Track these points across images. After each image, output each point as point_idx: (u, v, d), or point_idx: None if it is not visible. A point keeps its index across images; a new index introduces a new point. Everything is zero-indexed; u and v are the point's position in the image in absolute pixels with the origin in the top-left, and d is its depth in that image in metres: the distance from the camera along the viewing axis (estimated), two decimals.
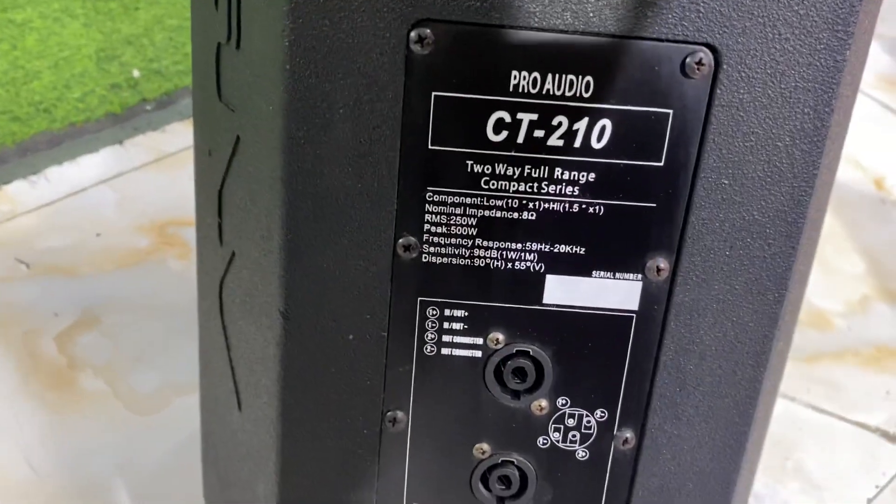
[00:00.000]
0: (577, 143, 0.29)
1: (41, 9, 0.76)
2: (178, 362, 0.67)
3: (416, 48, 0.28)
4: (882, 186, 0.84)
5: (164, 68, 0.83)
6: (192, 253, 0.75)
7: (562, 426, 0.34)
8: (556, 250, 0.31)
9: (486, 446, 0.34)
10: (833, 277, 0.77)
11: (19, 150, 0.80)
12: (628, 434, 0.34)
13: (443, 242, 0.31)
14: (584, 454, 0.34)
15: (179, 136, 0.84)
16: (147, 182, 0.80)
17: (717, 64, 0.28)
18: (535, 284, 0.32)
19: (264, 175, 0.32)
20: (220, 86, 0.35)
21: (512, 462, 0.34)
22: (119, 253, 0.75)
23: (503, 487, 0.35)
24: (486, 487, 0.35)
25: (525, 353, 0.33)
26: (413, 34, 0.28)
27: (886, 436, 0.66)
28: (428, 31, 0.28)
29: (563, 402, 0.33)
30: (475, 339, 0.33)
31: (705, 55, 0.28)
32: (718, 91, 0.28)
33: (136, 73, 0.81)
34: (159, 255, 0.75)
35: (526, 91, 0.29)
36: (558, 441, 0.34)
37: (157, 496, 0.59)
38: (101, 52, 0.80)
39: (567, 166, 0.30)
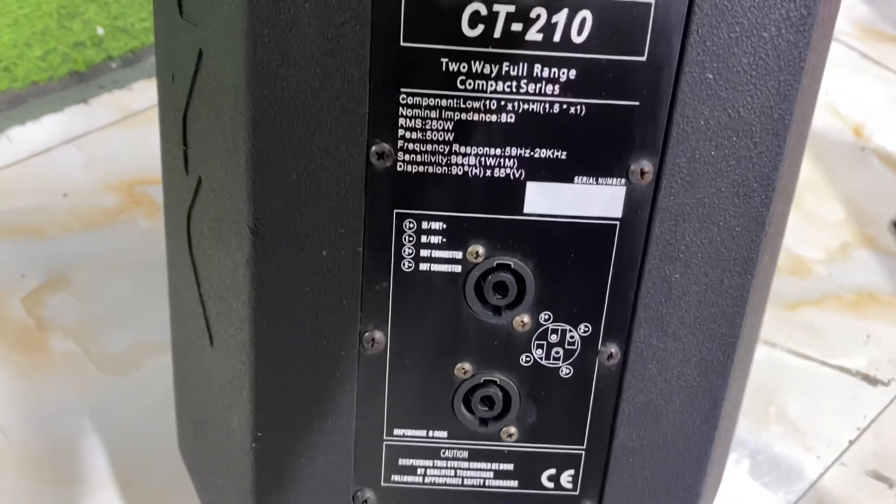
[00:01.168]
0: (557, 38, 0.28)
1: None
2: (150, 322, 0.65)
3: None
4: (861, 134, 0.84)
5: (129, 25, 0.80)
6: (161, 211, 0.73)
7: (545, 343, 0.33)
8: (536, 155, 0.30)
9: (467, 366, 0.33)
10: (813, 225, 0.77)
11: None
12: (613, 349, 0.33)
13: (418, 149, 0.30)
14: (567, 371, 0.33)
15: (146, 94, 0.81)
16: (114, 141, 0.78)
17: None
18: (515, 193, 0.30)
19: (228, 83, 0.30)
20: (181, 3, 0.34)
21: (494, 382, 0.33)
22: (87, 213, 0.73)
23: (486, 408, 0.34)
24: (469, 409, 0.34)
25: (506, 267, 0.31)
26: None
27: (867, 379, 0.66)
28: None
29: (546, 317, 0.32)
30: (454, 252, 0.31)
31: None
32: None
33: (100, 31, 0.78)
34: (128, 214, 0.73)
35: None
36: (541, 358, 0.33)
37: (130, 456, 0.58)
38: (62, 8, 0.77)
39: (547, 62, 0.29)
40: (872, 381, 0.66)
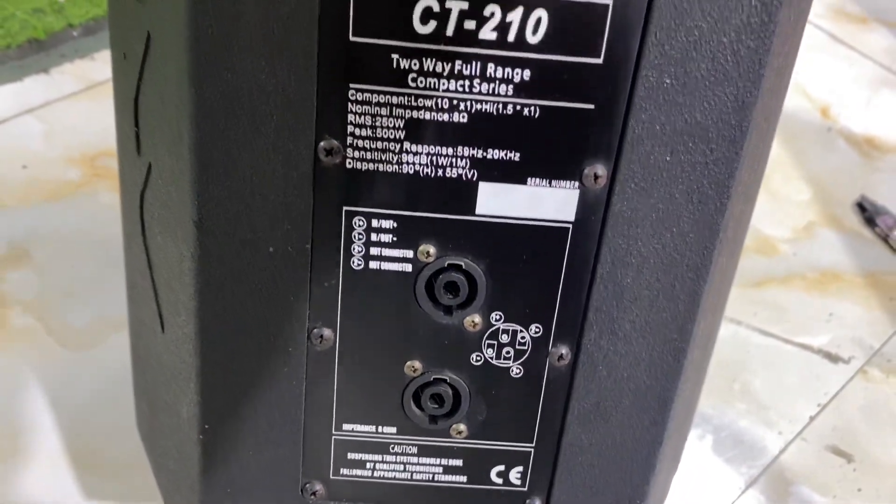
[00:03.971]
0: (511, 37, 0.27)
1: None
2: (112, 297, 0.64)
3: None
4: (828, 115, 0.84)
5: None
6: None
7: (495, 342, 0.32)
8: (489, 156, 0.29)
9: (417, 364, 0.33)
10: (779, 204, 0.77)
11: None
12: (564, 350, 0.32)
13: (368, 146, 0.29)
14: (518, 371, 0.33)
15: (109, 63, 0.79)
16: (76, 112, 0.75)
17: None
18: (467, 193, 0.30)
19: (172, 72, 0.29)
20: None
21: (444, 380, 0.33)
22: (47, 185, 0.71)
23: (436, 406, 0.33)
24: (419, 406, 0.34)
25: (457, 267, 0.31)
26: None
27: (829, 356, 0.67)
28: None
29: (497, 317, 0.32)
30: (405, 251, 0.31)
31: None
32: None
33: None
34: (90, 187, 0.71)
35: None
36: (492, 358, 0.33)
37: (90, 431, 0.57)
38: None
39: (500, 62, 0.28)
40: (834, 358, 0.67)
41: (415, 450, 0.34)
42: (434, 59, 0.28)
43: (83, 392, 0.59)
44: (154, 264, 0.37)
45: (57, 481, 0.54)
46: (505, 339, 0.32)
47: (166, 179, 0.32)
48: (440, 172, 0.29)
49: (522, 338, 0.32)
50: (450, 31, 0.27)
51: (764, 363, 0.66)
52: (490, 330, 0.32)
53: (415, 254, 0.31)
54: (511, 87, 0.28)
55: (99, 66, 0.78)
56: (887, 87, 0.88)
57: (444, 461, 0.35)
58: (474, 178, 0.30)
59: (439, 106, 0.28)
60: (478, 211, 0.30)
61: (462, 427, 0.34)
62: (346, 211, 0.30)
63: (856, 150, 0.81)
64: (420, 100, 0.28)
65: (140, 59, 0.33)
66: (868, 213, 0.75)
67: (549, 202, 0.30)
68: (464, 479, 0.35)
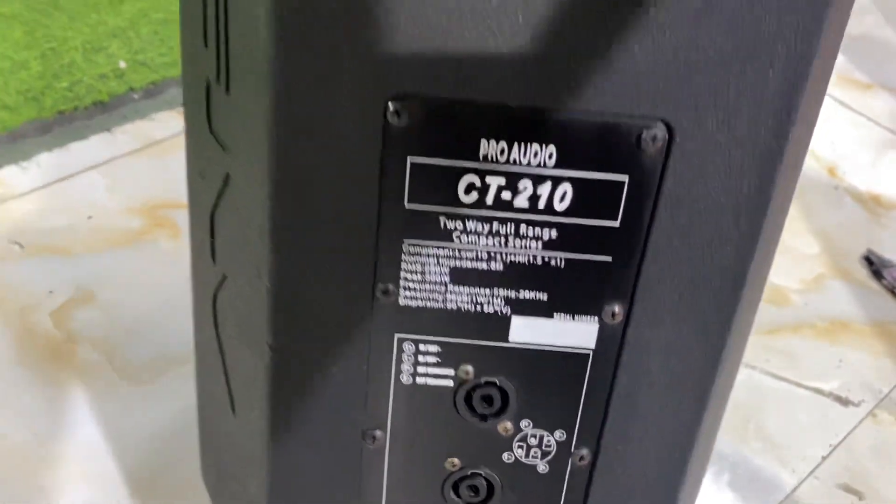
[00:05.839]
0: (541, 205, 0.32)
1: (29, 2, 0.76)
2: (172, 335, 0.70)
3: (392, 119, 0.30)
4: (835, 174, 0.88)
5: (149, 60, 0.84)
6: (182, 233, 0.77)
7: (525, 444, 0.37)
8: (520, 296, 0.34)
9: (456, 460, 0.38)
10: (791, 257, 0.81)
11: (9, 137, 0.81)
12: (584, 452, 0.37)
13: (418, 288, 0.34)
14: (544, 468, 0.38)
15: (166, 123, 0.85)
16: (136, 167, 0.82)
17: (671, 137, 0.31)
18: (501, 324, 0.35)
19: (253, 223, 0.34)
20: (211, 118, 0.37)
21: (480, 474, 0.38)
22: (111, 234, 0.77)
23: (472, 495, 0.39)
24: (457, 495, 0.39)
25: (492, 383, 0.36)
26: (390, 107, 0.30)
27: (839, 400, 0.71)
28: (404, 104, 0.30)
29: (527, 423, 0.37)
30: (447, 370, 0.36)
31: (659, 130, 0.30)
32: (671, 161, 0.31)
33: (122, 64, 0.82)
34: (151, 235, 0.77)
35: (494, 158, 0.31)
36: (521, 457, 0.38)
37: (149, 458, 0.63)
38: (87, 43, 0.80)
39: (531, 224, 0.33)
40: (844, 401, 0.71)
41: None
42: (475, 221, 0.32)
43: (143, 421, 0.65)
44: (226, 353, 0.42)
45: (111, 500, 0.60)
46: (533, 441, 0.37)
47: (243, 300, 0.38)
48: (479, 308, 0.34)
49: (548, 441, 0.37)
50: (489, 201, 0.32)
51: (777, 405, 0.70)
52: (520, 434, 0.37)
53: (455, 372, 0.36)
54: (540, 243, 0.33)
55: (156, 126, 0.85)
56: (891, 149, 0.92)
57: None
58: (508, 313, 0.35)
59: (479, 257, 0.33)
60: (510, 339, 0.35)
61: None
62: (397, 337, 0.35)
63: (862, 207, 0.85)
64: (463, 252, 0.33)
65: (218, 191, 0.38)
66: (875, 266, 0.79)
67: (572, 333, 0.35)
68: None
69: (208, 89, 0.37)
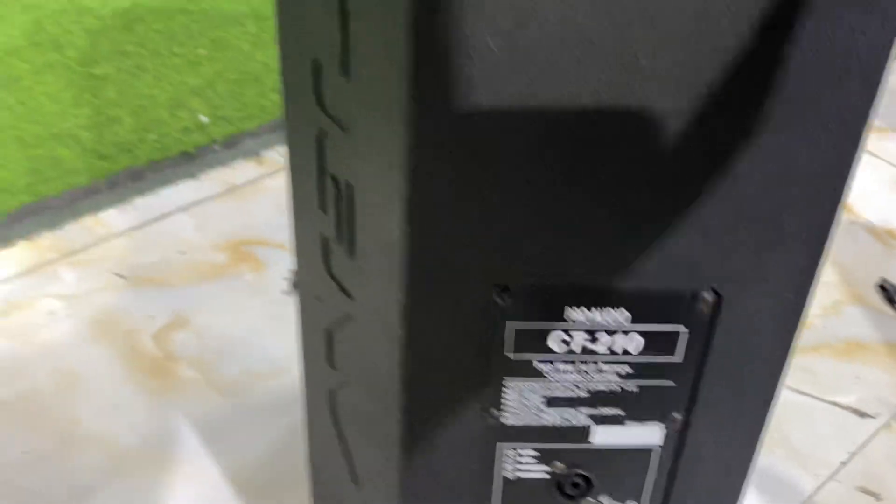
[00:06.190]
0: (618, 350, 0.40)
1: (118, 64, 0.84)
2: (256, 355, 0.79)
3: (498, 300, 0.38)
4: (851, 211, 0.95)
5: (227, 115, 0.92)
6: (263, 267, 0.86)
7: None
8: (600, 413, 0.43)
9: None
10: None
11: (109, 183, 0.91)
12: None
13: (517, 412, 0.43)
14: None
15: (244, 171, 0.94)
16: (220, 209, 0.91)
17: (719, 299, 0.38)
18: (584, 432, 0.43)
19: (381, 364, 0.43)
20: (331, 266, 0.45)
21: None
22: (201, 267, 0.85)
23: None
24: None
25: (579, 474, 0.45)
26: (496, 291, 0.38)
27: (857, 412, 0.79)
28: (507, 289, 0.38)
29: (606, 499, 0.46)
30: (542, 466, 0.45)
31: (709, 294, 0.38)
32: (720, 316, 0.39)
33: (204, 119, 0.90)
34: (235, 268, 0.86)
35: (579, 320, 0.39)
36: None
37: (243, 458, 0.70)
38: (172, 101, 0.88)
39: (609, 364, 0.41)
40: (861, 414, 0.78)
41: None
42: (564, 364, 0.41)
43: (236, 428, 0.73)
44: (347, 439, 0.51)
45: (217, 495, 0.68)
46: None
47: (369, 412, 0.46)
48: (567, 423, 0.43)
49: None
50: (575, 349, 0.40)
51: (799, 417, 0.76)
52: None
53: (549, 467, 0.45)
54: (616, 376, 0.41)
55: (236, 173, 0.94)
56: None
57: None
58: (590, 425, 0.43)
59: (566, 388, 0.42)
60: (591, 441, 0.44)
61: None
62: (498, 445, 0.44)
63: (877, 240, 0.92)
64: (553, 385, 0.42)
65: (336, 320, 0.46)
66: (889, 293, 0.86)
67: (642, 435, 0.43)
68: None
69: (326, 245, 0.45)
